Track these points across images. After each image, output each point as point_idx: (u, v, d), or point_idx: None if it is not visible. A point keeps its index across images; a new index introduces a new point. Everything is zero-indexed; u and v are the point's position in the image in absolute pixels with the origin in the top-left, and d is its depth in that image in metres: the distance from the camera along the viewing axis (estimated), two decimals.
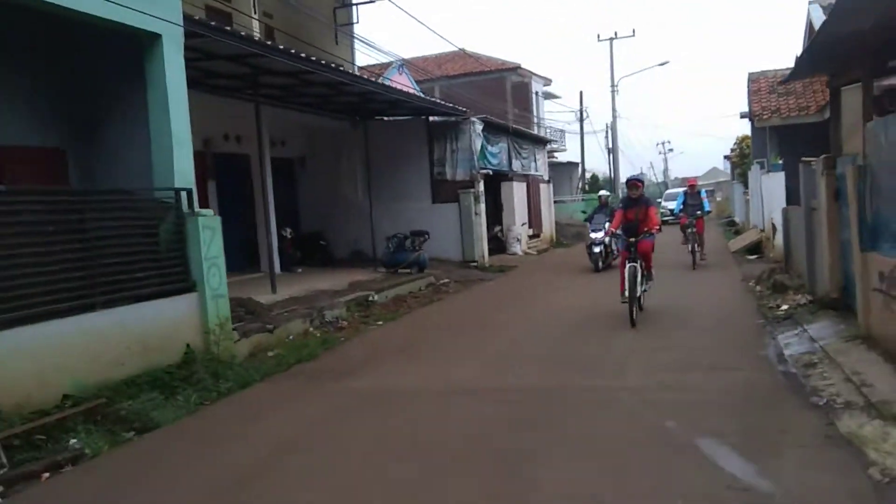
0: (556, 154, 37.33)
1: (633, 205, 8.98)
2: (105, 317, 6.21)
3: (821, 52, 6.52)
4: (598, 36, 38.84)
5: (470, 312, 10.93)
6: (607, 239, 13.83)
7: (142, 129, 7.40)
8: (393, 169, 16.71)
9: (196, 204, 7.39)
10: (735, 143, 25.92)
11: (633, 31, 46.50)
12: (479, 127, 17.07)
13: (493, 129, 18.59)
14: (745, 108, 19.71)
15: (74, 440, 5.31)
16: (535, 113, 34.45)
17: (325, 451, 4.88)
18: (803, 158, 9.08)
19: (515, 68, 34.29)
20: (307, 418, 5.74)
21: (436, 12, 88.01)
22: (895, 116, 5.37)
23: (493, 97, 31.90)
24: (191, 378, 6.73)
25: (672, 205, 24.81)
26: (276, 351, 8.18)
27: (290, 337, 8.84)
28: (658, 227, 8.78)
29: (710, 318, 8.75)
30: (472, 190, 16.81)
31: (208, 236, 7.39)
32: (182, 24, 7.37)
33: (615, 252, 14.01)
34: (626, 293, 8.26)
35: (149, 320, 6.66)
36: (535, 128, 32.92)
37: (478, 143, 17.05)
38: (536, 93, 35.39)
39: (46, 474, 4.81)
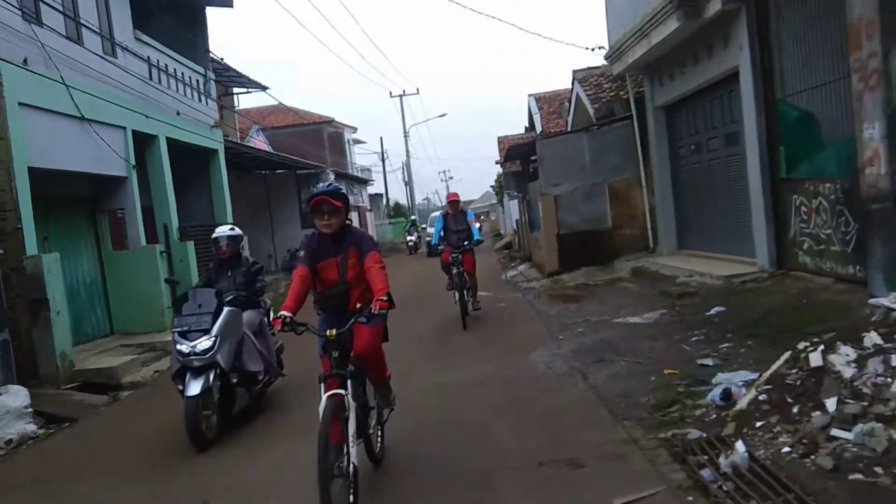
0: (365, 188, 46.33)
1: (328, 251, 4.15)
2: None
3: (511, 154, 16.36)
4: (391, 93, 48.88)
5: None
6: (218, 359, 5.48)
7: (205, 192, 14.77)
8: (273, 206, 24.30)
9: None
10: (496, 178, 37.02)
11: (417, 89, 58.21)
12: (332, 176, 25.41)
13: (339, 176, 27.01)
14: (498, 157, 30.40)
15: None
16: (348, 157, 43.10)
17: None
18: (517, 194, 19.01)
19: (330, 121, 42.55)
20: None
21: (249, 66, 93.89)
22: (532, 184, 15.09)
23: (313, 145, 39.74)
24: None
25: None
26: None
27: None
28: (386, 298, 3.78)
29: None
30: None
31: (246, 244, 14.98)
32: (223, 143, 14.96)
33: (263, 374, 6.16)
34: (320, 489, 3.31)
35: None
36: (350, 168, 41.55)
37: None
38: (348, 140, 44.13)
39: None
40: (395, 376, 4.58)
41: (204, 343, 5.45)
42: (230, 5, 15.01)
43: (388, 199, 48.42)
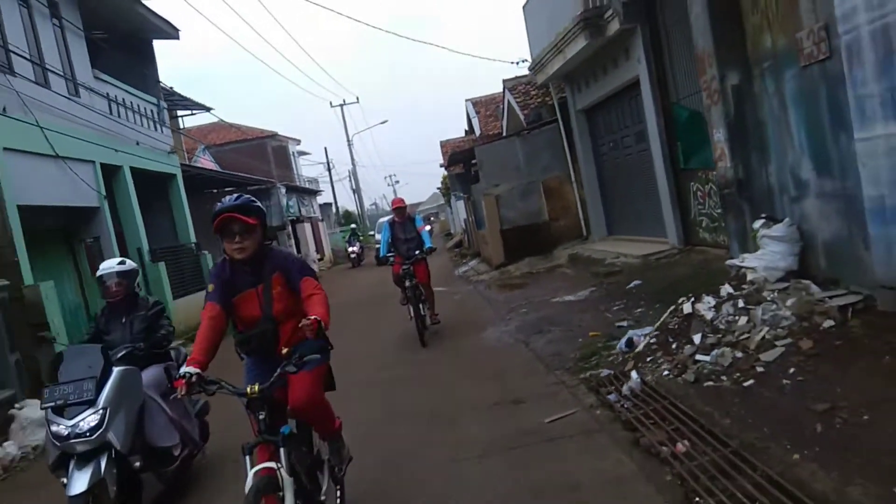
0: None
1: (244, 282, 3.39)
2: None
3: (453, 158, 17.63)
4: (331, 103, 49.70)
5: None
6: (111, 439, 4.05)
7: (167, 215, 15.55)
8: None
9: (199, 247, 15.82)
10: (442, 180, 38.32)
11: (357, 98, 58.14)
12: (283, 190, 26.23)
13: (289, 189, 27.83)
14: (442, 160, 31.69)
15: None
16: (294, 170, 43.71)
17: None
18: (462, 195, 20.33)
19: (273, 135, 43.08)
20: None
21: (189, 86, 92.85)
22: (475, 185, 16.42)
23: (258, 160, 40.22)
24: None
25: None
26: None
27: None
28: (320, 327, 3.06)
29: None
30: (286, 231, 25.86)
31: (209, 260, 15.84)
32: (180, 168, 15.78)
33: (180, 448, 4.68)
34: None
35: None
36: (297, 180, 42.18)
37: (283, 201, 26.16)
38: (293, 153, 44.73)
39: None
40: (366, 365, 5.99)
41: (88, 419, 3.98)
42: (176, 37, 15.82)
43: (337, 208, 49.19)
